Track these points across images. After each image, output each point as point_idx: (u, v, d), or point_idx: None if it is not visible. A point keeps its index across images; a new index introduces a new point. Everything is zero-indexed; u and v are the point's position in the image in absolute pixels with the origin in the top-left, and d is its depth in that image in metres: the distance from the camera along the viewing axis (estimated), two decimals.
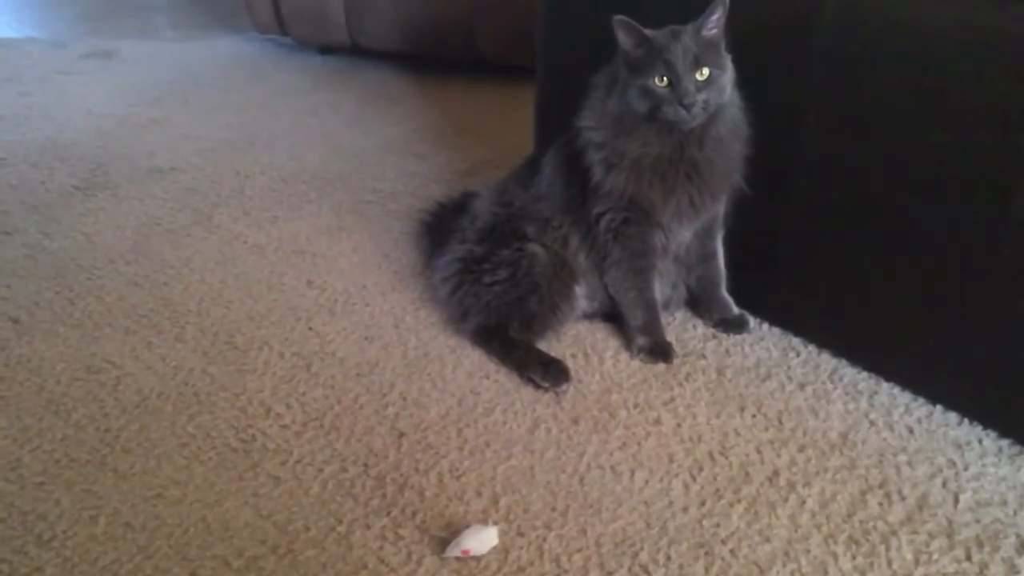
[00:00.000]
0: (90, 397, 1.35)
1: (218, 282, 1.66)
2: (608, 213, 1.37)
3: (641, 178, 1.32)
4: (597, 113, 1.34)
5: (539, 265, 1.43)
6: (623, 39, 1.25)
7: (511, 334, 1.41)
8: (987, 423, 1.26)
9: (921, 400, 1.32)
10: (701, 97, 1.24)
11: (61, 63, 3.00)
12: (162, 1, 3.96)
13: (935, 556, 1.05)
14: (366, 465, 1.21)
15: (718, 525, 1.10)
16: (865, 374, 1.38)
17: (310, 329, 1.52)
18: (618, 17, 1.23)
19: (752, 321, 1.50)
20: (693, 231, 1.42)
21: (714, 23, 1.24)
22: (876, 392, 1.34)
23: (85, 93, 2.72)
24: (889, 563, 1.04)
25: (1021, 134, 1.09)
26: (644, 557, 1.06)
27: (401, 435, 1.27)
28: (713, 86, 1.25)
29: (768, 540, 1.08)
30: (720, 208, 1.43)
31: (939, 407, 1.30)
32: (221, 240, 1.83)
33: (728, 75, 1.28)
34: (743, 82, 1.31)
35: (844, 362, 1.41)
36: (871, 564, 1.04)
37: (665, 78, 1.23)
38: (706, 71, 1.24)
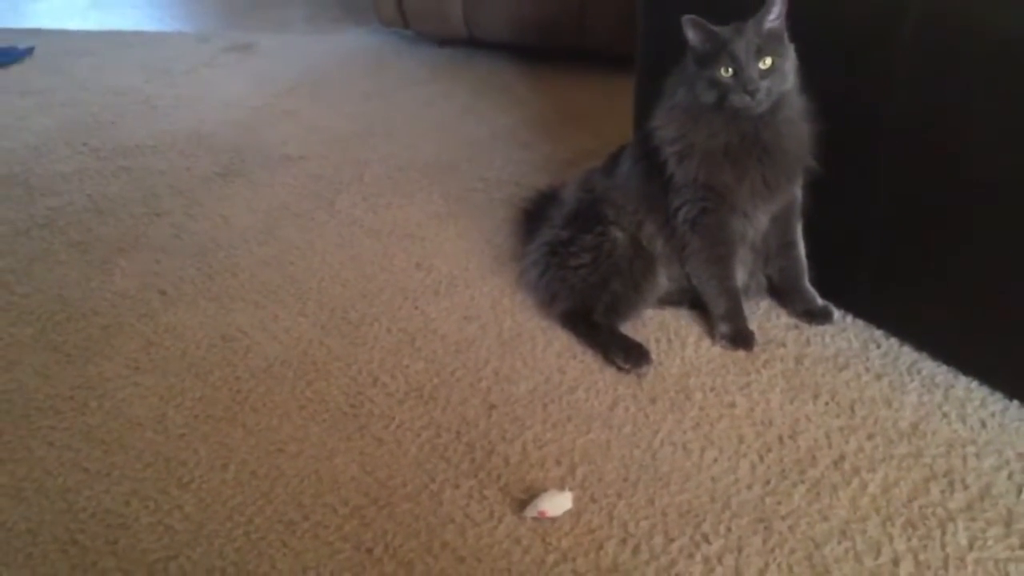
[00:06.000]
0: (225, 362, 1.53)
1: (337, 263, 1.83)
2: (685, 205, 1.44)
3: (713, 164, 1.39)
4: (666, 110, 1.43)
5: (620, 248, 1.52)
6: (692, 36, 1.34)
7: (595, 318, 1.51)
8: None
9: (998, 395, 1.34)
10: (764, 84, 1.31)
11: (205, 56, 3.26)
12: None
13: (990, 543, 1.09)
14: (458, 432, 1.34)
15: (779, 503, 1.18)
16: (944, 368, 1.40)
17: (416, 308, 1.66)
18: (687, 16, 1.32)
19: (836, 312, 1.54)
20: (770, 216, 1.47)
21: (776, 15, 1.31)
22: (953, 385, 1.37)
23: (225, 85, 2.96)
24: (943, 546, 1.09)
25: None
26: (706, 527, 1.15)
27: (492, 407, 1.39)
28: (776, 73, 1.32)
29: (826, 519, 1.15)
30: (797, 194, 1.48)
31: (1016, 402, 1.32)
32: (341, 224, 2.00)
33: (791, 63, 1.35)
34: (823, 73, 1.36)
35: (925, 355, 1.43)
36: (925, 546, 1.10)
37: (730, 68, 1.31)
38: (769, 60, 1.31)
